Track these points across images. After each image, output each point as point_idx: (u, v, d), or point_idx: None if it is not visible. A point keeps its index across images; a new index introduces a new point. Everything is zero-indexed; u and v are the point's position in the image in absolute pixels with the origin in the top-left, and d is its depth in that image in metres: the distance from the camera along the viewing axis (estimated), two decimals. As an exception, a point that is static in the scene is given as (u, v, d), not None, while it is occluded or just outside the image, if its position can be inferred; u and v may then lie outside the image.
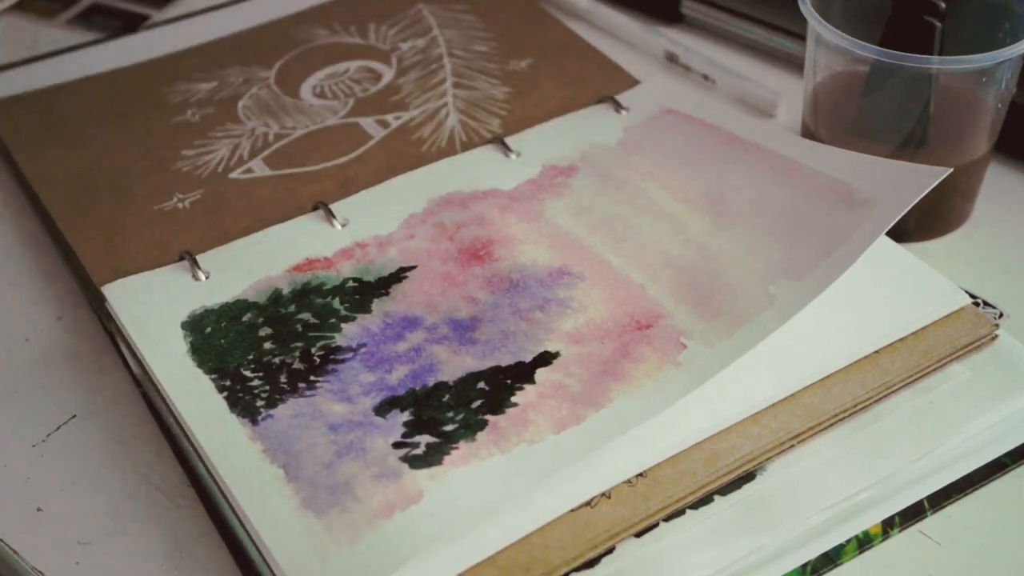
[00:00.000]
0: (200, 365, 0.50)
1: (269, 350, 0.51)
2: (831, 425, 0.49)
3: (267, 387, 0.49)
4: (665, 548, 0.45)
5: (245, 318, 0.53)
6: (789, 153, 0.58)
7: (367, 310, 0.53)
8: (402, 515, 0.44)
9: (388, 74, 0.70)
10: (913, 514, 0.48)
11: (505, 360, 0.50)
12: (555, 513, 0.45)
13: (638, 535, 0.45)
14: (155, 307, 0.53)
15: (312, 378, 0.50)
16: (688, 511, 0.46)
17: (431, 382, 0.49)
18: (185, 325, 0.52)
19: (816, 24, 0.57)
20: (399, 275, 0.54)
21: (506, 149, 0.62)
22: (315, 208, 0.59)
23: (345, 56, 0.72)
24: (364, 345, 0.51)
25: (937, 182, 0.52)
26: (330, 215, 0.58)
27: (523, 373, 0.49)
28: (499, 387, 0.49)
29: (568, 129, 0.63)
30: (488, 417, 0.47)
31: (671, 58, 0.73)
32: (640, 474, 0.46)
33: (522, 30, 0.73)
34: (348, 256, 0.56)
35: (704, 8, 0.76)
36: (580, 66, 0.69)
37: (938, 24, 0.57)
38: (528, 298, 0.53)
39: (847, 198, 0.54)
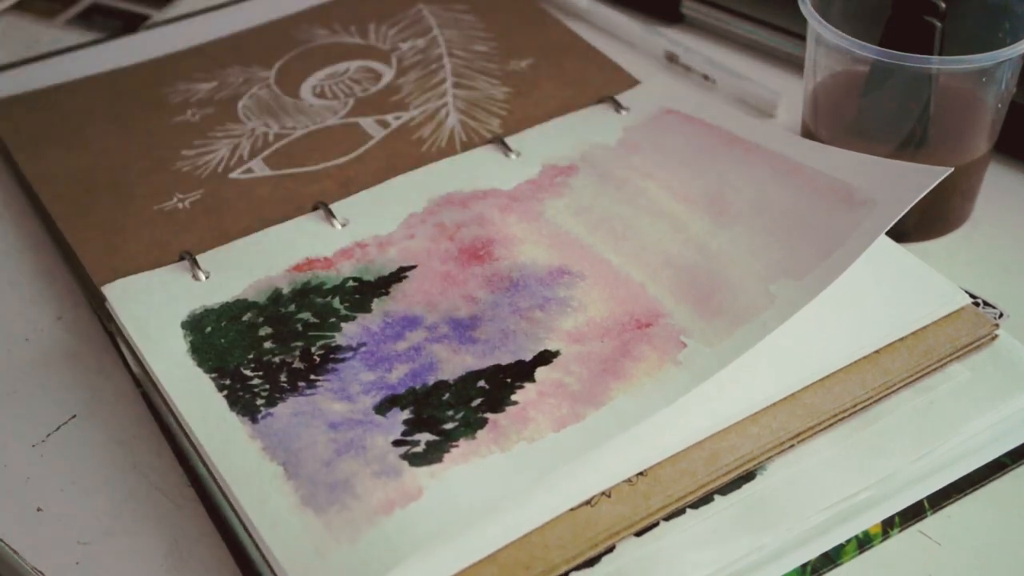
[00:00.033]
0: (200, 364, 0.50)
1: (269, 349, 0.51)
2: (831, 425, 0.49)
3: (267, 386, 0.49)
4: (665, 547, 0.45)
5: (245, 317, 0.53)
6: (789, 153, 0.58)
7: (367, 309, 0.53)
8: (402, 512, 0.44)
9: (388, 74, 0.70)
10: (913, 514, 0.48)
11: (505, 359, 0.50)
12: (555, 512, 0.45)
13: (638, 534, 0.45)
14: (155, 307, 0.53)
15: (312, 377, 0.50)
16: (688, 510, 0.46)
17: (431, 381, 0.49)
18: (185, 325, 0.52)
19: (816, 24, 0.57)
20: (399, 275, 0.54)
21: (506, 149, 0.62)
22: (315, 208, 0.59)
23: (345, 56, 0.72)
24: (364, 344, 0.51)
25: (937, 182, 0.52)
26: (330, 215, 0.58)
27: (523, 372, 0.49)
28: (499, 386, 0.49)
29: (568, 129, 0.63)
30: (488, 415, 0.47)
31: (671, 58, 0.73)
32: (640, 473, 0.46)
33: (522, 30, 0.73)
34: (348, 256, 0.56)
35: (704, 8, 0.76)
36: (580, 66, 0.69)
37: (938, 24, 0.57)
38: (528, 297, 0.53)
39: (847, 198, 0.54)
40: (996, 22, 0.58)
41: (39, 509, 0.50)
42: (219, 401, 0.49)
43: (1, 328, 0.58)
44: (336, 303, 0.53)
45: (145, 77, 0.71)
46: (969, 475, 0.49)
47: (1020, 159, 0.65)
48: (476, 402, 0.48)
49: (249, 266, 0.55)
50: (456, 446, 0.46)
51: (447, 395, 0.49)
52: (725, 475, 0.47)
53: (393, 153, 0.64)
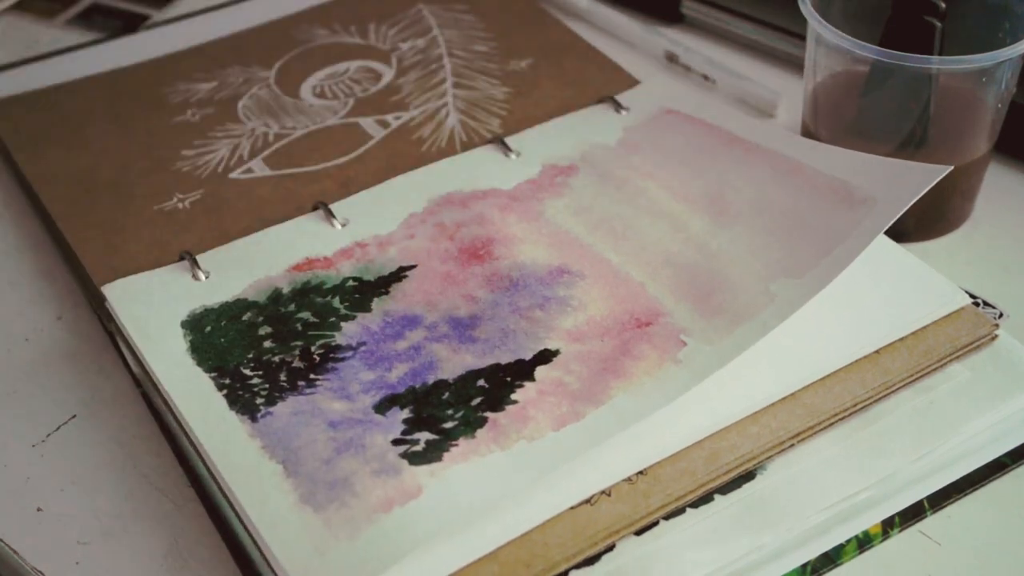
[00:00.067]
0: (200, 364, 0.50)
1: (269, 349, 0.51)
2: (831, 424, 0.49)
3: (267, 385, 0.49)
4: (665, 546, 0.45)
5: (245, 317, 0.53)
6: (789, 152, 0.58)
7: (367, 309, 0.53)
8: (401, 510, 0.44)
9: (388, 74, 0.70)
10: (913, 514, 0.48)
11: (505, 358, 0.50)
12: (555, 510, 0.45)
13: (638, 533, 0.45)
14: (155, 307, 0.53)
15: (312, 376, 0.50)
16: (688, 509, 0.46)
17: (431, 380, 0.49)
18: (185, 324, 0.52)
19: (816, 24, 0.57)
20: (399, 274, 0.54)
21: (506, 149, 0.62)
22: (315, 208, 0.59)
23: (345, 56, 0.72)
24: (364, 343, 0.51)
25: (936, 180, 0.52)
26: (330, 215, 0.58)
27: (523, 371, 0.49)
28: (499, 384, 0.49)
29: (568, 129, 0.63)
30: (488, 414, 0.47)
31: (671, 58, 0.73)
32: (640, 472, 0.46)
33: (522, 30, 0.73)
34: (348, 256, 0.56)
35: (704, 8, 0.76)
36: (580, 66, 0.69)
37: (938, 24, 0.57)
38: (528, 296, 0.53)
39: (847, 197, 0.54)
40: (996, 22, 0.58)
41: (39, 509, 0.50)
42: (219, 400, 0.49)
43: (1, 328, 0.58)
44: (336, 302, 0.53)
45: (145, 77, 0.71)
46: (969, 475, 0.49)
47: (1020, 159, 0.65)
48: (476, 401, 0.48)
49: (249, 266, 0.55)
50: (456, 445, 0.46)
51: (447, 394, 0.48)
52: (725, 474, 0.47)
53: (393, 153, 0.64)
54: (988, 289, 0.57)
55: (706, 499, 0.47)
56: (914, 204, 0.52)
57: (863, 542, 0.47)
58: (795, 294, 0.50)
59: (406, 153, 0.63)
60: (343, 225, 0.57)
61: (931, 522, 0.48)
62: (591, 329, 0.51)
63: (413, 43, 0.73)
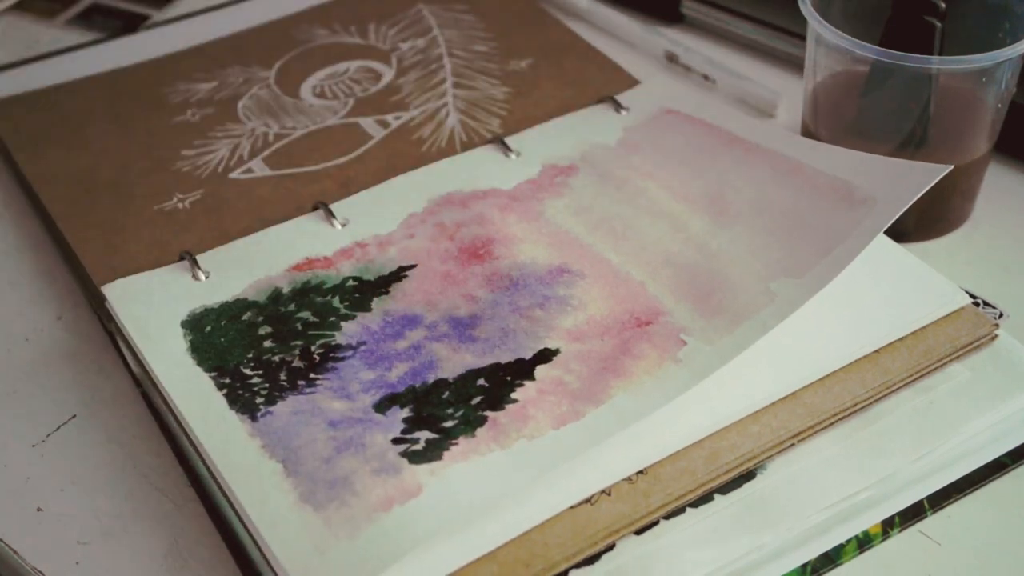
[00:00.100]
0: (200, 363, 0.50)
1: (269, 348, 0.51)
2: (831, 424, 0.49)
3: (267, 385, 0.49)
4: (665, 546, 0.45)
5: (245, 317, 0.53)
6: (789, 152, 0.58)
7: (367, 308, 0.53)
8: (401, 509, 0.44)
9: (388, 74, 0.70)
10: (913, 514, 0.48)
11: (505, 357, 0.50)
12: (555, 509, 0.45)
13: (638, 532, 0.45)
14: (155, 307, 0.53)
15: (312, 376, 0.50)
16: (688, 509, 0.46)
17: (431, 379, 0.49)
18: (185, 324, 0.52)
19: (816, 24, 0.57)
20: (399, 274, 0.54)
21: (506, 149, 0.62)
22: (315, 208, 0.59)
23: (345, 56, 0.72)
24: (364, 343, 0.51)
25: (936, 180, 0.52)
26: (330, 215, 0.58)
27: (523, 370, 0.49)
28: (499, 384, 0.49)
29: (568, 129, 0.63)
30: (488, 413, 0.47)
31: (671, 58, 0.73)
32: (640, 471, 0.46)
33: (522, 30, 0.73)
34: (348, 255, 0.56)
35: (704, 8, 0.76)
36: (580, 66, 0.69)
37: (938, 24, 0.57)
38: (528, 296, 0.53)
39: (847, 196, 0.54)
40: (996, 22, 0.58)
41: (39, 509, 0.50)
42: (219, 400, 0.49)
43: (1, 328, 0.58)
44: (336, 302, 0.53)
45: (145, 77, 0.71)
46: (969, 475, 0.49)
47: (1020, 159, 0.65)
48: (476, 400, 0.48)
49: (249, 266, 0.55)
50: (456, 444, 0.46)
51: (447, 393, 0.48)
52: (725, 474, 0.47)
53: (393, 153, 0.64)
54: (988, 289, 0.57)
55: (706, 499, 0.47)
56: (914, 204, 0.52)
57: (863, 542, 0.47)
58: (795, 294, 0.50)
59: (406, 153, 0.63)
60: (343, 225, 0.57)
61: (931, 522, 0.48)
62: (591, 328, 0.51)
63: (413, 43, 0.73)
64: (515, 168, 0.60)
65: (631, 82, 0.67)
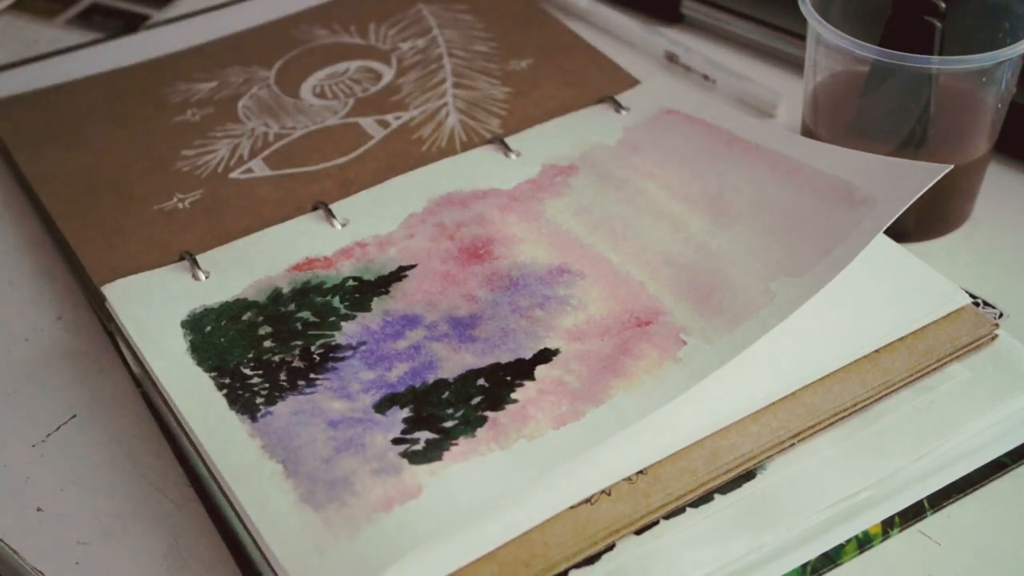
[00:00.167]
0: (200, 363, 0.50)
1: (269, 348, 0.51)
2: (831, 424, 0.49)
3: (267, 385, 0.49)
4: (665, 546, 0.45)
5: (245, 317, 0.53)
6: (789, 152, 0.58)
7: (367, 308, 0.53)
8: (401, 510, 0.44)
9: (388, 74, 0.70)
10: (913, 514, 0.48)
11: (505, 357, 0.50)
12: (555, 509, 0.45)
13: (638, 532, 0.45)
14: (155, 307, 0.53)
15: (312, 376, 0.50)
16: (688, 509, 0.46)
17: (431, 379, 0.49)
18: (185, 324, 0.52)
19: (816, 24, 0.57)
20: (399, 274, 0.54)
21: (506, 149, 0.62)
22: (315, 208, 0.59)
23: (345, 56, 0.72)
24: (364, 343, 0.51)
25: (936, 179, 0.52)
26: (330, 215, 0.58)
27: (523, 370, 0.49)
28: (499, 384, 0.49)
29: (568, 129, 0.63)
30: (488, 413, 0.47)
31: (671, 58, 0.73)
32: (640, 471, 0.46)
33: (522, 30, 0.73)
34: (348, 255, 0.56)
35: (704, 8, 0.76)
36: (580, 66, 0.69)
37: (938, 24, 0.57)
38: (528, 296, 0.53)
39: (847, 196, 0.54)
40: (996, 22, 0.58)
41: (39, 509, 0.50)
42: (219, 400, 0.49)
43: (1, 328, 0.58)
44: (336, 302, 0.53)
45: (145, 77, 0.71)
46: (969, 475, 0.49)
47: (1020, 159, 0.65)
48: (476, 400, 0.48)
49: (249, 266, 0.55)
50: (456, 444, 0.46)
51: (447, 393, 0.48)
52: (725, 474, 0.47)
53: (393, 153, 0.64)
54: (988, 289, 0.57)
55: (706, 499, 0.47)
56: (914, 204, 0.52)
57: (863, 542, 0.47)
58: (795, 293, 0.50)
59: (406, 153, 0.63)
60: (343, 225, 0.57)
61: (931, 522, 0.48)
62: (591, 328, 0.51)
63: (413, 43, 0.73)
64: (515, 168, 0.60)
65: (631, 82, 0.67)
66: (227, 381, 0.50)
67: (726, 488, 0.47)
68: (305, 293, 0.54)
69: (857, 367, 0.50)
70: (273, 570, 0.44)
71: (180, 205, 0.61)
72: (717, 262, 0.53)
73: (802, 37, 0.61)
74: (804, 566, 0.46)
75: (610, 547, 0.45)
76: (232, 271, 0.55)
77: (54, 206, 0.61)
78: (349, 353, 0.51)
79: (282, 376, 0.50)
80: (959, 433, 0.49)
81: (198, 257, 0.56)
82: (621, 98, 0.65)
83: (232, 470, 0.46)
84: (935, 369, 0.51)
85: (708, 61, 0.72)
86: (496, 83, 0.69)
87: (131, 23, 0.79)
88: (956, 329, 0.52)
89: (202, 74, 0.71)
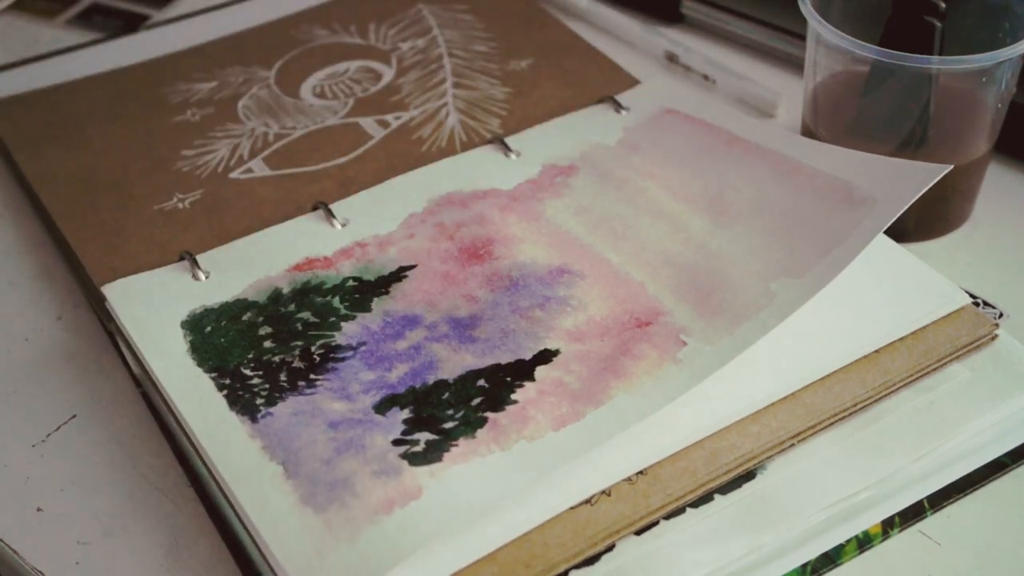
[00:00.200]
0: (200, 364, 0.50)
1: (269, 349, 0.51)
2: (831, 424, 0.49)
3: (267, 385, 0.49)
4: (665, 546, 0.45)
5: (245, 317, 0.53)
6: (789, 152, 0.58)
7: (367, 309, 0.53)
8: (402, 511, 0.44)
9: (388, 74, 0.70)
10: (913, 514, 0.48)
11: (505, 358, 0.50)
12: (555, 510, 0.45)
13: (638, 533, 0.45)
14: (155, 307, 0.53)
15: (312, 376, 0.50)
16: (688, 509, 0.46)
17: (431, 380, 0.49)
18: (185, 324, 0.52)
19: (816, 24, 0.57)
20: (399, 274, 0.54)
21: (506, 149, 0.62)
22: (315, 208, 0.59)
23: (345, 56, 0.72)
24: (364, 343, 0.51)
25: (936, 179, 0.52)
26: (330, 215, 0.58)
27: (523, 371, 0.49)
28: (499, 384, 0.49)
29: (568, 129, 0.63)
30: (488, 414, 0.47)
31: (671, 58, 0.73)
32: (640, 472, 0.46)
33: (522, 30, 0.73)
34: (348, 255, 0.56)
35: (704, 8, 0.76)
36: (580, 66, 0.69)
37: (938, 24, 0.57)
38: (528, 296, 0.53)
39: (847, 196, 0.54)
40: (996, 22, 0.58)
41: (39, 509, 0.50)
42: (219, 400, 0.49)
43: (1, 328, 0.58)
44: (336, 302, 0.53)
45: (145, 77, 0.71)
46: (969, 475, 0.49)
47: (1020, 159, 0.65)
48: (476, 401, 0.48)
49: (249, 266, 0.55)
50: (456, 445, 0.46)
51: (447, 394, 0.48)
52: (725, 474, 0.47)
53: (393, 153, 0.64)
54: (988, 289, 0.57)
55: (706, 499, 0.47)
56: (914, 204, 0.52)
57: (863, 542, 0.47)
58: (795, 294, 0.50)
59: (406, 153, 0.63)
60: (343, 225, 0.57)
61: (931, 522, 0.48)
62: (591, 329, 0.51)
63: (413, 43, 0.73)
64: (515, 168, 0.60)
65: (631, 82, 0.67)
66: (227, 382, 0.50)
67: (726, 488, 0.47)
68: (305, 293, 0.54)
69: (857, 367, 0.50)
70: (273, 571, 0.44)
71: (180, 205, 0.61)
72: (717, 262, 0.53)
73: (802, 37, 0.61)
74: (804, 566, 0.46)
75: (610, 548, 0.45)
76: (232, 271, 0.55)
77: (54, 206, 0.61)
78: (349, 354, 0.51)
79: (282, 377, 0.50)
80: (959, 433, 0.49)
81: (198, 257, 0.56)
82: (621, 98, 0.65)
83: (232, 471, 0.46)
84: (935, 369, 0.51)
85: (708, 61, 0.72)
86: (496, 83, 0.69)
87: (131, 23, 0.79)
88: (956, 329, 0.52)
89: (202, 74, 0.71)
